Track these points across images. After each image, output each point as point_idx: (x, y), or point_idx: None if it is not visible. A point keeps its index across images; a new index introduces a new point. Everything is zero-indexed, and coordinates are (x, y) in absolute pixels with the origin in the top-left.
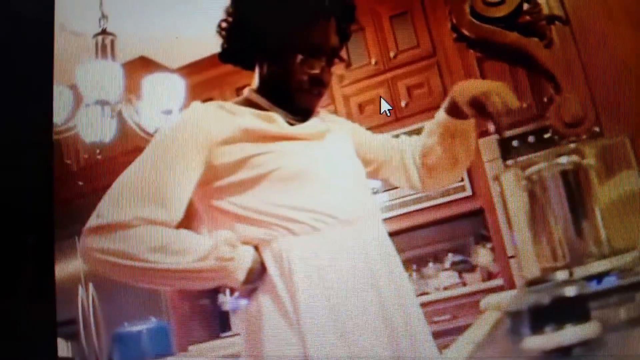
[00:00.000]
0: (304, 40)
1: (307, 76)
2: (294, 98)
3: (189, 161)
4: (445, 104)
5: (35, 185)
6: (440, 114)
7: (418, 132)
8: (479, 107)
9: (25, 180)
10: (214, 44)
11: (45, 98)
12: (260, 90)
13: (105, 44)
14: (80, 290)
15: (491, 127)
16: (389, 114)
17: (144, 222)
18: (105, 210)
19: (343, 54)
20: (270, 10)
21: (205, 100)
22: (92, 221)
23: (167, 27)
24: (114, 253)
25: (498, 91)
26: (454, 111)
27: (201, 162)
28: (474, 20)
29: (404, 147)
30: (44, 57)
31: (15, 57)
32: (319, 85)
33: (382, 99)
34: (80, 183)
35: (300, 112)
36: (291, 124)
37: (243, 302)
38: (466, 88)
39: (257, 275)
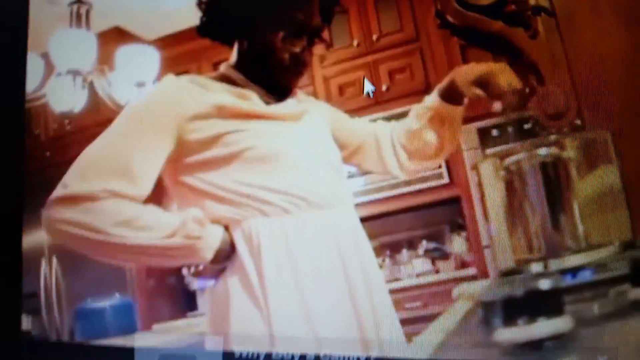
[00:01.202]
0: (287, 18)
1: (288, 54)
2: (272, 75)
3: (159, 135)
4: (440, 88)
5: (5, 153)
6: (433, 98)
7: (398, 116)
8: (485, 87)
9: None
10: (191, 17)
11: (19, 66)
12: (237, 66)
13: (80, 12)
14: (43, 264)
15: (497, 106)
16: (371, 96)
17: (111, 195)
18: (72, 181)
19: (325, 34)
20: None
21: (180, 74)
22: (58, 191)
23: None
24: (79, 225)
25: (502, 71)
26: (449, 95)
27: (172, 137)
28: (459, 7)
29: (382, 132)
30: (19, 24)
31: None
32: (299, 64)
33: (365, 79)
34: (48, 153)
35: (277, 90)
36: (267, 103)
37: (210, 281)
38: (469, 69)
39: (226, 255)
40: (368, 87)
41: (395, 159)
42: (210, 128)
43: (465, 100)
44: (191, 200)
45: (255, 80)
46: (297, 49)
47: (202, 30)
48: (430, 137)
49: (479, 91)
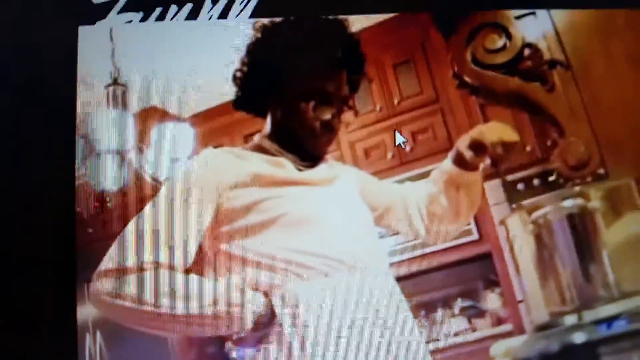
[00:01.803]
0: (318, 88)
1: (319, 122)
2: (304, 143)
3: (199, 206)
4: (451, 154)
5: (57, 230)
6: (447, 164)
7: (423, 176)
8: (478, 148)
9: (47, 225)
10: (222, 94)
11: (67, 148)
12: (271, 136)
13: (116, 94)
14: (88, 338)
15: (487, 161)
16: (403, 146)
17: (154, 266)
18: (116, 254)
19: (352, 102)
20: (285, 60)
21: (215, 147)
22: (103, 265)
23: (177, 78)
24: (124, 297)
25: (493, 128)
26: (459, 161)
27: (212, 207)
28: (475, 67)
29: (409, 196)
30: (66, 108)
31: (38, 109)
32: (329, 131)
33: (396, 134)
34: (90, 230)
35: (309, 157)
36: (300, 170)
37: (251, 350)
38: (467, 135)
39: (266, 322)
40: (399, 139)
41: (421, 222)
42: (247, 196)
43: (481, 166)
44: (230, 268)
45: (288, 148)
46: (328, 117)
47: (237, 103)
48: (447, 201)
49: (471, 154)
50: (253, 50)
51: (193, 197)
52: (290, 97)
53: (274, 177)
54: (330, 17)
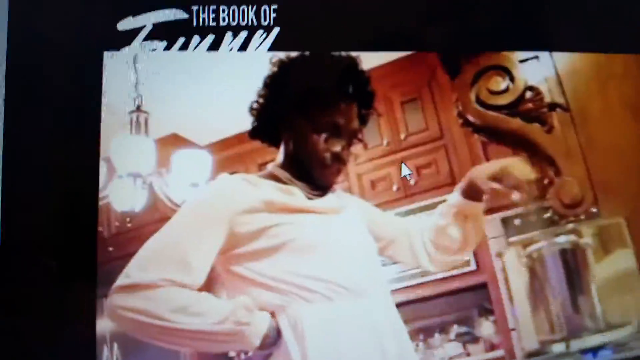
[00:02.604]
0: (330, 121)
1: (329, 153)
2: (314, 173)
3: (213, 229)
4: (461, 187)
5: (79, 248)
6: (455, 197)
7: (426, 208)
8: (501, 181)
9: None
10: (239, 123)
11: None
12: (283, 165)
13: (139, 120)
14: (105, 350)
15: (516, 196)
16: (409, 178)
17: (168, 284)
18: (133, 271)
19: (361, 135)
20: (299, 94)
21: (230, 174)
22: (121, 280)
23: (198, 107)
24: (139, 311)
25: (516, 165)
26: (470, 193)
27: (225, 231)
28: (478, 107)
29: (413, 228)
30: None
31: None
32: (339, 162)
33: (403, 165)
34: (111, 249)
35: (318, 187)
36: (310, 199)
37: None
38: (485, 168)
39: (272, 341)
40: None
41: (425, 254)
42: (258, 221)
43: (484, 197)
44: (240, 288)
45: (299, 177)
46: (338, 149)
47: (253, 133)
48: (455, 232)
49: (497, 185)
50: (269, 83)
51: (208, 221)
52: (302, 128)
53: (284, 205)
54: (343, 53)
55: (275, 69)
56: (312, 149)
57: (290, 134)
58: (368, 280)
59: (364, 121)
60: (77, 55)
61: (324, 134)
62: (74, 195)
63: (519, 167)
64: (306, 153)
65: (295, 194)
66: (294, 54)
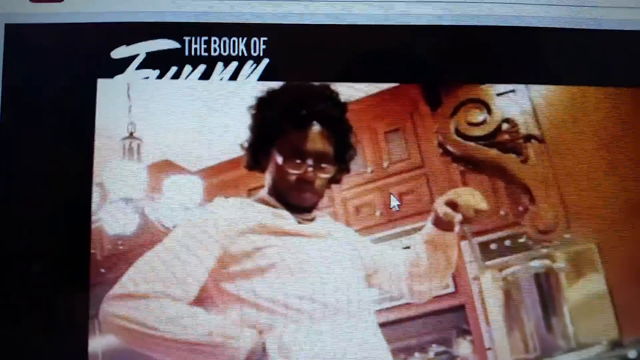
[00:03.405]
0: (288, 144)
1: (294, 177)
2: (287, 197)
3: (207, 248)
4: (430, 217)
5: (72, 270)
6: (427, 226)
7: (407, 233)
8: (453, 207)
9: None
10: (230, 149)
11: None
12: (269, 191)
13: (132, 147)
14: None
15: (457, 217)
16: (397, 209)
17: (161, 296)
18: (128, 283)
19: (328, 159)
20: (266, 122)
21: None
22: (115, 290)
23: (189, 134)
24: (131, 320)
25: (467, 192)
26: (438, 222)
27: (218, 250)
28: (457, 138)
29: (395, 259)
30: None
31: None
32: (306, 185)
33: (392, 196)
34: (103, 270)
35: (298, 210)
36: (300, 223)
37: None
38: (445, 195)
39: (258, 358)
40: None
41: (404, 283)
42: (251, 242)
43: (457, 228)
44: (229, 305)
45: (281, 201)
46: (299, 171)
47: (246, 166)
48: (427, 261)
49: (447, 210)
50: (251, 117)
51: (203, 239)
52: (272, 154)
53: (275, 227)
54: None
55: (253, 111)
56: (278, 173)
57: (267, 161)
58: (353, 300)
59: (340, 145)
60: (72, 82)
61: (282, 156)
62: (68, 219)
63: (472, 195)
64: (275, 177)
65: (286, 218)
66: (275, 86)
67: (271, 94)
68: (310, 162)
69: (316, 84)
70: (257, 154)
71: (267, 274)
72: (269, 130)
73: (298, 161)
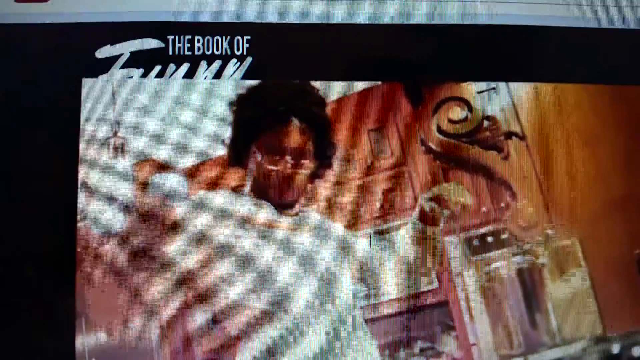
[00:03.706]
0: (266, 140)
1: (272, 172)
2: (267, 194)
3: (192, 237)
4: (416, 211)
5: (58, 268)
6: (412, 221)
7: (391, 230)
8: (439, 202)
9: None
10: (214, 147)
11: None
12: (251, 188)
13: (117, 145)
14: None
15: (445, 213)
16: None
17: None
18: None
19: (308, 155)
20: (245, 119)
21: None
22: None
23: (173, 132)
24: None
25: (453, 188)
26: (424, 217)
27: (202, 240)
28: (439, 136)
29: (380, 253)
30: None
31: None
32: (285, 181)
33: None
34: (89, 269)
35: (280, 206)
36: (283, 216)
37: None
38: (430, 191)
39: None
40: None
41: (390, 278)
42: (234, 232)
43: (441, 222)
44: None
45: (262, 197)
46: (277, 167)
47: (228, 163)
48: (412, 256)
49: (433, 205)
50: (231, 118)
51: (188, 229)
52: (252, 150)
53: (258, 218)
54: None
55: (233, 108)
56: (256, 168)
57: (248, 158)
58: (337, 296)
59: (323, 140)
60: (57, 81)
61: (261, 152)
62: (54, 218)
63: (457, 190)
64: (255, 173)
65: (269, 210)
66: (254, 83)
67: (250, 90)
68: (289, 158)
69: (296, 81)
70: (238, 150)
71: (249, 266)
72: (248, 127)
73: (277, 157)
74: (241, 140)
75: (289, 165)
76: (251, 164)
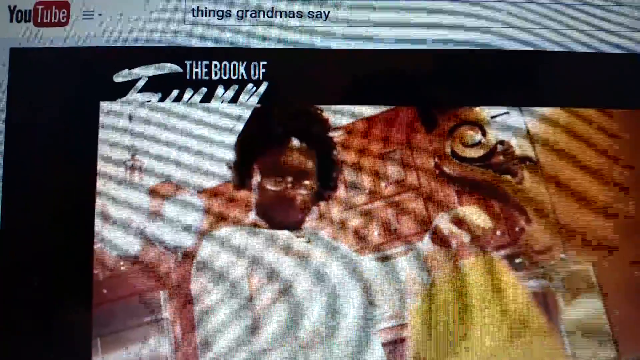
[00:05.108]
0: (265, 160)
1: (272, 193)
2: (270, 215)
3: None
4: (430, 232)
5: (75, 290)
6: (425, 242)
7: (405, 253)
8: (459, 225)
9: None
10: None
11: (87, 216)
12: (257, 212)
13: (133, 168)
14: None
15: (466, 237)
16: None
17: None
18: None
19: (310, 175)
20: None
21: (220, 221)
22: None
23: (190, 156)
24: None
25: (472, 212)
26: (437, 239)
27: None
28: (453, 159)
29: (390, 274)
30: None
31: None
32: (286, 201)
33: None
34: (105, 291)
35: (286, 227)
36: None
37: None
38: (448, 213)
39: None
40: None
41: (400, 299)
42: (269, 266)
43: (453, 244)
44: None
45: (269, 221)
46: (276, 187)
47: (234, 186)
48: (424, 278)
49: (454, 228)
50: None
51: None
52: (254, 172)
53: (285, 249)
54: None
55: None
56: (258, 189)
57: (251, 180)
58: (353, 323)
59: (326, 162)
60: (75, 104)
61: (261, 173)
62: (71, 239)
63: (477, 214)
64: (257, 195)
65: (290, 238)
66: (257, 106)
67: (252, 113)
68: (290, 179)
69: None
70: (241, 173)
71: (281, 299)
72: (248, 148)
73: (278, 178)
74: (242, 162)
75: (290, 186)
76: (254, 186)
